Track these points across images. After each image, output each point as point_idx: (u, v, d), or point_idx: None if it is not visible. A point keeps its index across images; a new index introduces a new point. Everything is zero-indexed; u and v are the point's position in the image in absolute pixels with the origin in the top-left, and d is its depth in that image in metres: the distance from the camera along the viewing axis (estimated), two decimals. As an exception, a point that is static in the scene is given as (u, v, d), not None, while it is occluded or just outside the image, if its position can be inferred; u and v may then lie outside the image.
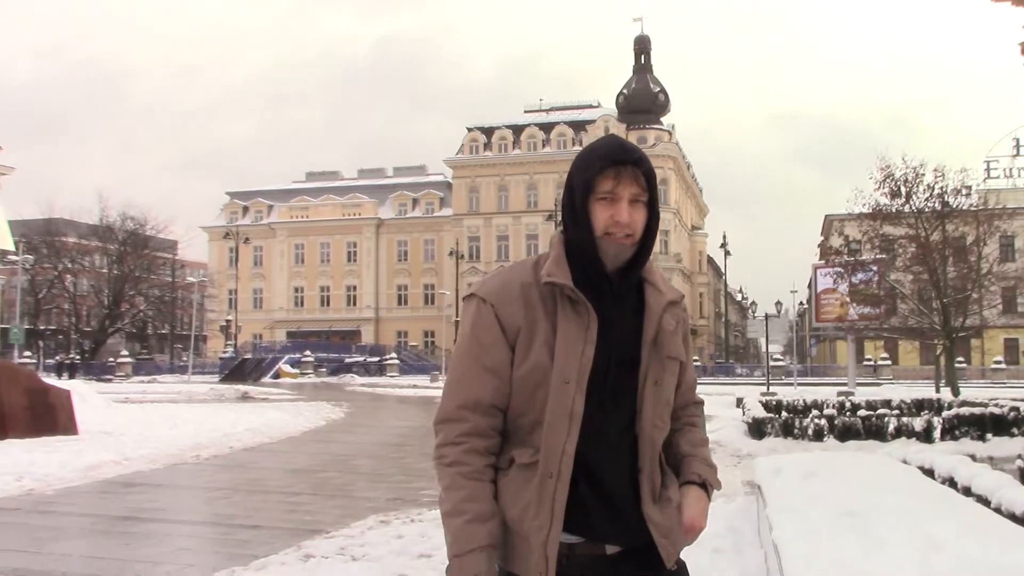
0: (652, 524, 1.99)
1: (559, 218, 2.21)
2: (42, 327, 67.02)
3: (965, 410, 15.30)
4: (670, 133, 75.24)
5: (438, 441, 2.02)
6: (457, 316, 72.14)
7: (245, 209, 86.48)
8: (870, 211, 26.08)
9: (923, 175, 24.92)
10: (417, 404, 31.37)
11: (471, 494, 1.94)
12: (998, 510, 5.69)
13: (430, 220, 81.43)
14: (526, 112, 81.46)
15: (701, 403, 2.27)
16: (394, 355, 65.10)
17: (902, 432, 15.66)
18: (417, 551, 7.05)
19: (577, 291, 1.95)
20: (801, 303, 74.54)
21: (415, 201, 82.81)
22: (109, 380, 52.43)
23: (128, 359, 60.66)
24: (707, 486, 2.11)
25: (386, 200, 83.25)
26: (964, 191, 25.22)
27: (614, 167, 1.96)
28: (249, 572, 6.41)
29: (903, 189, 25.07)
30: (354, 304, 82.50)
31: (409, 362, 66.75)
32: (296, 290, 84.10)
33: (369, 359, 65.50)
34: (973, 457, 8.71)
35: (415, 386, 46.66)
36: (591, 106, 79.84)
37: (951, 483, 7.08)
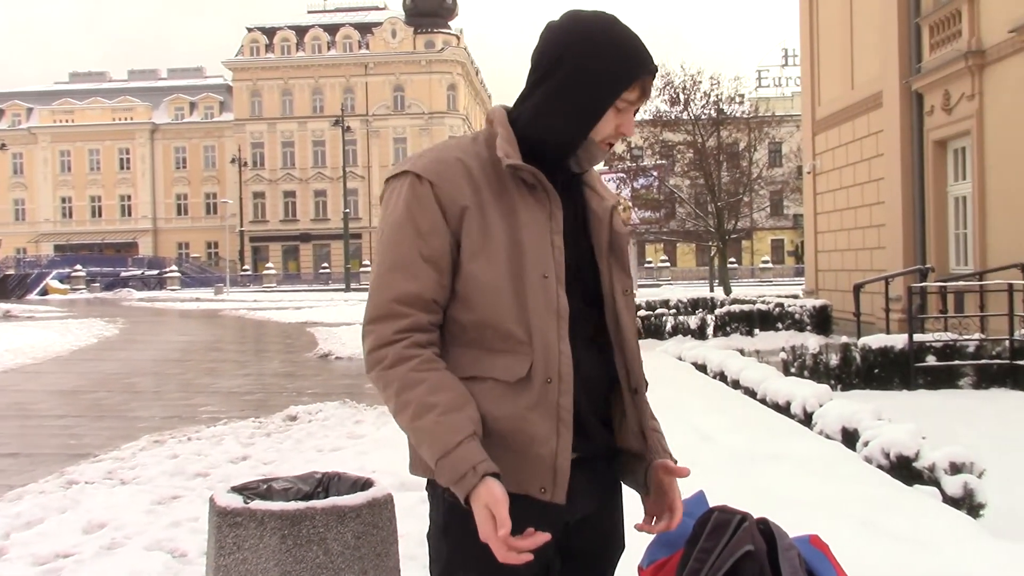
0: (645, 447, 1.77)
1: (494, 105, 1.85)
2: None
3: (736, 307, 16.20)
4: (458, 38, 74.39)
5: (370, 344, 1.68)
6: (242, 226, 70.34)
7: (0, 112, 79.24)
8: (651, 118, 26.85)
9: (700, 83, 25.85)
10: (200, 318, 30.18)
11: (433, 385, 1.62)
12: (763, 401, 6.00)
13: (210, 125, 77.43)
14: (310, 13, 78.21)
15: None
16: (175, 268, 62.75)
17: (679, 330, 16.47)
18: (193, 470, 6.71)
19: (540, 175, 1.68)
20: (586, 209, 76.61)
21: (193, 105, 78.40)
22: None
23: None
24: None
25: (161, 104, 78.40)
26: (738, 99, 26.40)
27: (644, 79, 1.70)
28: (2, 505, 5.88)
29: (681, 96, 25.92)
30: (129, 215, 77.83)
31: (191, 275, 64.43)
32: (63, 200, 78.25)
33: (148, 272, 62.58)
34: (742, 351, 9.19)
35: (198, 299, 45.02)
36: (377, 8, 77.64)
37: (721, 377, 7.42)
